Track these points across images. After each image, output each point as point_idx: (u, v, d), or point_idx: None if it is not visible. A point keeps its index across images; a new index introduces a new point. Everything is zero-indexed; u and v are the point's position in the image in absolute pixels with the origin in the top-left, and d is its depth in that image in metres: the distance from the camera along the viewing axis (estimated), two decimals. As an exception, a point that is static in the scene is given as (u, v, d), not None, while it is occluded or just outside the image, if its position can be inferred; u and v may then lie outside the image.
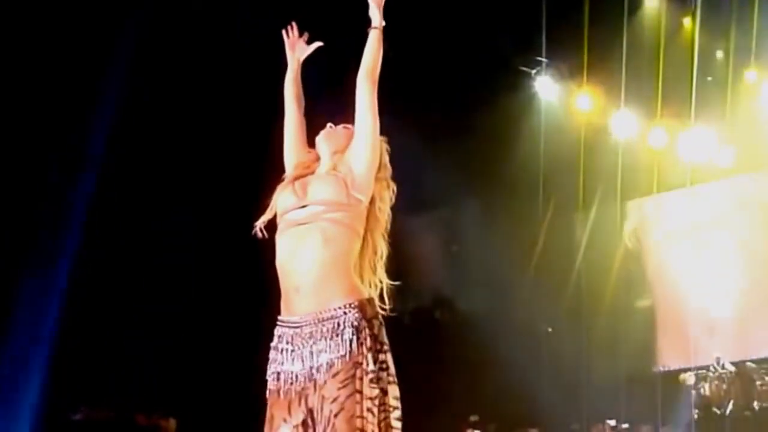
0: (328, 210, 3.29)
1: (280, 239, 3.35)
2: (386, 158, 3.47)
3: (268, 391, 3.27)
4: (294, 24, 3.68)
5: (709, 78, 10.89)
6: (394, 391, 3.20)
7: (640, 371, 11.03)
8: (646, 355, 11.39)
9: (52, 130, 7.60)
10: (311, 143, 3.58)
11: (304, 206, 3.32)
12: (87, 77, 7.69)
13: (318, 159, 3.49)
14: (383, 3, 3.44)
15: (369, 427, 3.11)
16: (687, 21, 10.70)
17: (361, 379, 3.13)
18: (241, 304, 7.75)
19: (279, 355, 3.25)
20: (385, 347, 3.25)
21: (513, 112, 10.74)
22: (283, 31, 3.69)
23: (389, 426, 3.17)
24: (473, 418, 9.98)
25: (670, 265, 11.47)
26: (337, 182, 3.32)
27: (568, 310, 11.41)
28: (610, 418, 10.31)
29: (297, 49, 3.68)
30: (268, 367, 3.29)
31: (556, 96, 10.99)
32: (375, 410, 3.14)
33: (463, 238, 10.93)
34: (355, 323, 3.17)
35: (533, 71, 10.88)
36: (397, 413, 3.21)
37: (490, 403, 10.25)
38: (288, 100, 3.67)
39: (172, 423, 6.44)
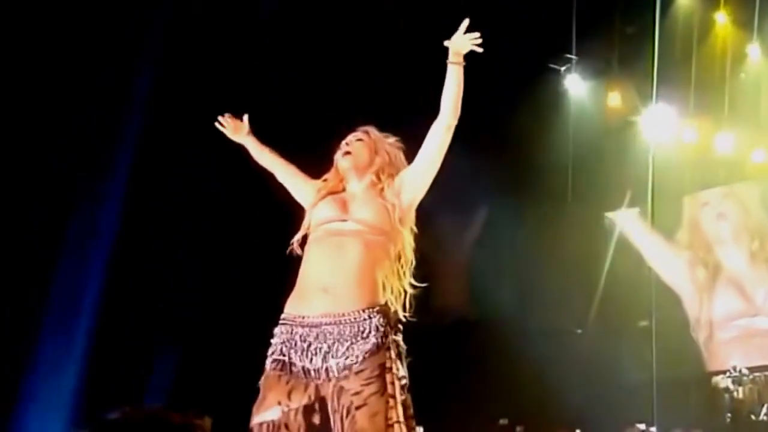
0: (368, 232, 3.32)
1: (313, 246, 3.33)
2: None
3: (264, 378, 3.24)
4: (224, 115, 3.77)
5: (743, 74, 10.71)
6: (409, 400, 3.26)
7: (672, 374, 10.86)
8: (678, 358, 11.22)
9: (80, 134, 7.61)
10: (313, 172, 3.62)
11: (344, 220, 3.32)
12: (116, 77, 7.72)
13: (341, 179, 3.49)
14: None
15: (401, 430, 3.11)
16: (720, 16, 10.52)
17: (393, 384, 3.13)
18: (272, 304, 7.74)
19: (290, 351, 3.21)
20: (403, 356, 3.27)
21: (542, 111, 10.62)
22: (218, 125, 3.80)
23: None
24: (503, 421, 9.87)
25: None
26: (383, 211, 3.36)
27: (599, 311, 11.27)
28: (640, 422, 10.16)
29: (240, 130, 3.76)
30: (272, 358, 3.24)
31: (586, 94, 10.86)
32: (407, 418, 3.15)
33: (491, 238, 10.82)
34: (380, 328, 3.18)
35: (563, 68, 10.76)
36: (413, 423, 3.25)
37: (518, 405, 10.15)
38: (269, 164, 3.75)
39: (207, 422, 6.49)
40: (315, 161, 3.71)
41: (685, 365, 11.63)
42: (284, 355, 3.21)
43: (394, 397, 3.15)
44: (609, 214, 4.46)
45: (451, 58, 3.45)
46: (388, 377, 3.15)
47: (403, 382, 3.24)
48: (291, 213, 3.64)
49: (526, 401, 10.01)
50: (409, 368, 3.35)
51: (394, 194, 3.40)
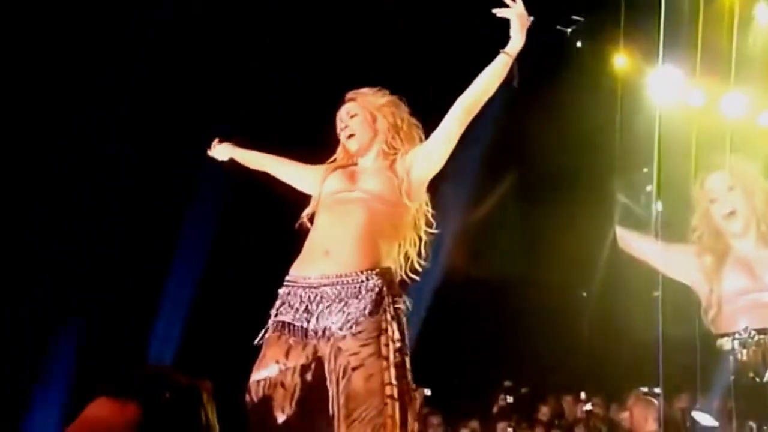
0: (374, 201, 3.33)
1: (321, 213, 3.38)
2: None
3: (265, 338, 3.27)
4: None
5: (751, 36, 10.62)
6: (406, 363, 3.28)
7: (677, 337, 10.88)
8: (684, 321, 11.24)
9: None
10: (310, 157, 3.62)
11: (352, 191, 3.36)
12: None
13: (351, 155, 3.50)
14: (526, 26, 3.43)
15: (395, 394, 3.13)
16: (728, -25, 10.40)
17: (387, 345, 3.16)
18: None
19: (289, 312, 3.24)
20: (404, 320, 3.31)
21: (548, 72, 10.54)
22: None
23: (412, 398, 3.23)
24: (507, 383, 9.92)
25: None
26: (391, 183, 3.38)
27: (605, 275, 11.28)
28: (644, 384, 10.20)
29: (224, 152, 3.89)
30: (273, 320, 3.27)
31: (592, 55, 10.80)
32: (400, 379, 3.17)
33: (499, 200, 10.83)
34: (377, 289, 3.21)
35: (569, 30, 10.68)
36: (413, 385, 3.28)
37: (523, 367, 10.19)
38: (260, 164, 3.79)
39: (208, 384, 6.66)
40: (318, 154, 3.70)
41: (691, 328, 11.63)
42: (284, 316, 3.25)
43: (387, 358, 3.18)
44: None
45: (508, 48, 3.42)
46: (383, 339, 3.18)
47: (398, 345, 3.26)
48: (290, 212, 3.62)
49: (530, 363, 10.05)
50: (416, 327, 3.39)
51: (404, 169, 3.42)
